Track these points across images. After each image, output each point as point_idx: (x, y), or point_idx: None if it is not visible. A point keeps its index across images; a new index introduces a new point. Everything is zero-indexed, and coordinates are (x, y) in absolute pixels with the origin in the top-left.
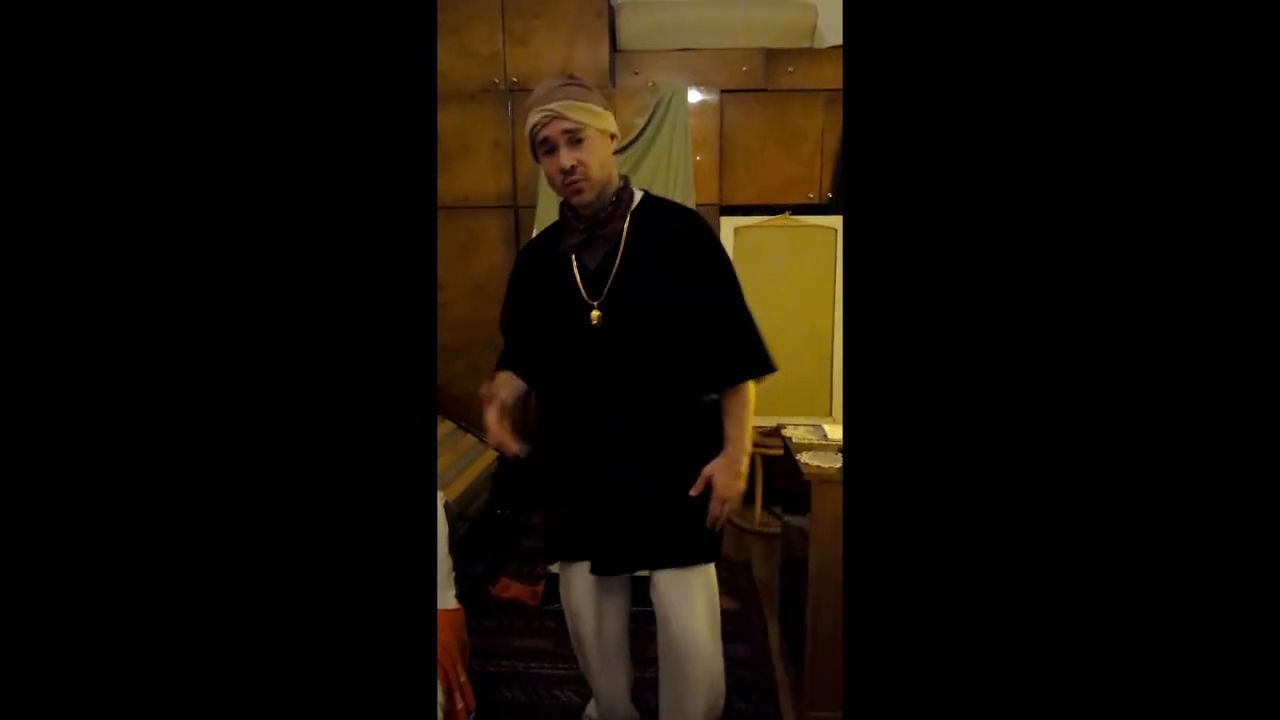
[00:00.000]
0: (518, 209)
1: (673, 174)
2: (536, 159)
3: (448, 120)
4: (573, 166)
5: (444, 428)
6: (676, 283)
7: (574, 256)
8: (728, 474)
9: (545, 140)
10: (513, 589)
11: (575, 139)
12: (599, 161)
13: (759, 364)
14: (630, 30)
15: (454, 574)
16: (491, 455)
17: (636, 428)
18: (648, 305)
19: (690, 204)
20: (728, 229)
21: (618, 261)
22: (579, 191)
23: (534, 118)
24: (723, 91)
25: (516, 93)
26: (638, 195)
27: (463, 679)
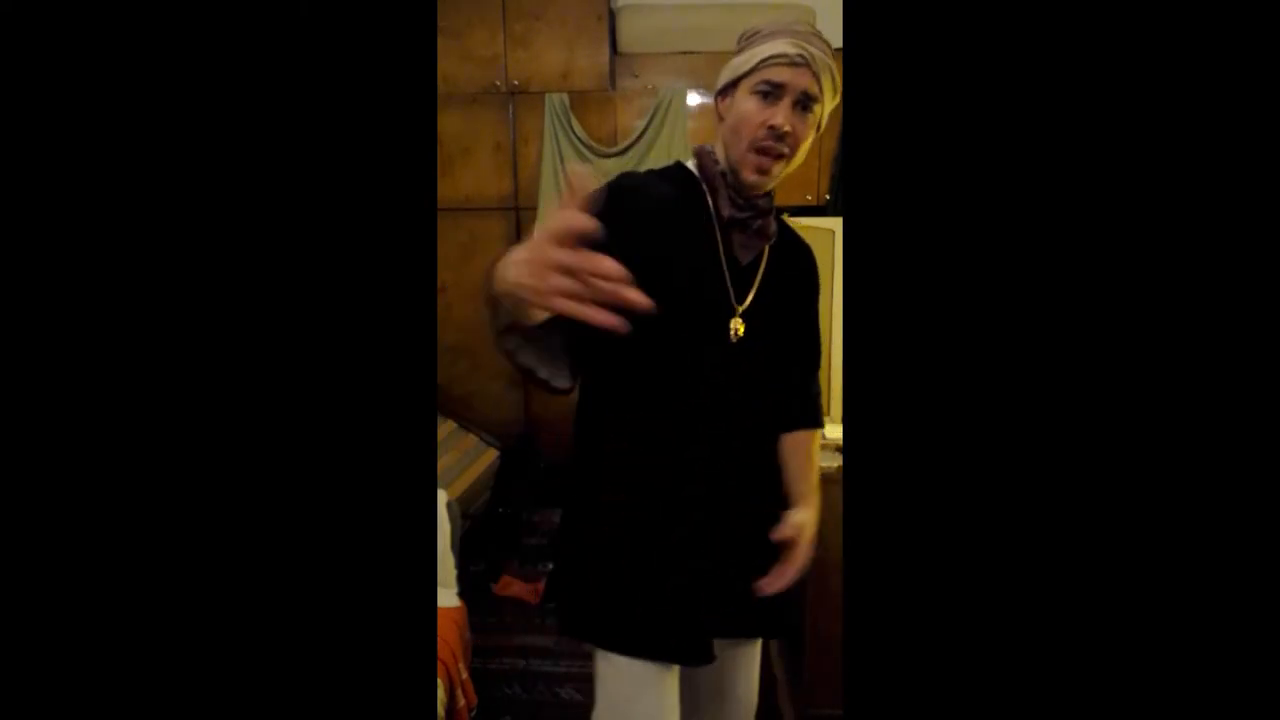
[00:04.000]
0: (519, 210)
1: None
2: (724, 92)
3: (449, 122)
4: (787, 133)
5: (445, 427)
6: (800, 313)
7: (723, 240)
8: (812, 529)
9: (773, 85)
10: (514, 586)
11: (807, 105)
12: (805, 147)
13: (819, 416)
14: (630, 33)
15: (456, 572)
16: (493, 454)
17: (740, 470)
18: (783, 331)
19: None
20: None
21: (763, 267)
22: (769, 167)
23: (779, 46)
24: None
25: (517, 95)
26: None
27: (464, 676)
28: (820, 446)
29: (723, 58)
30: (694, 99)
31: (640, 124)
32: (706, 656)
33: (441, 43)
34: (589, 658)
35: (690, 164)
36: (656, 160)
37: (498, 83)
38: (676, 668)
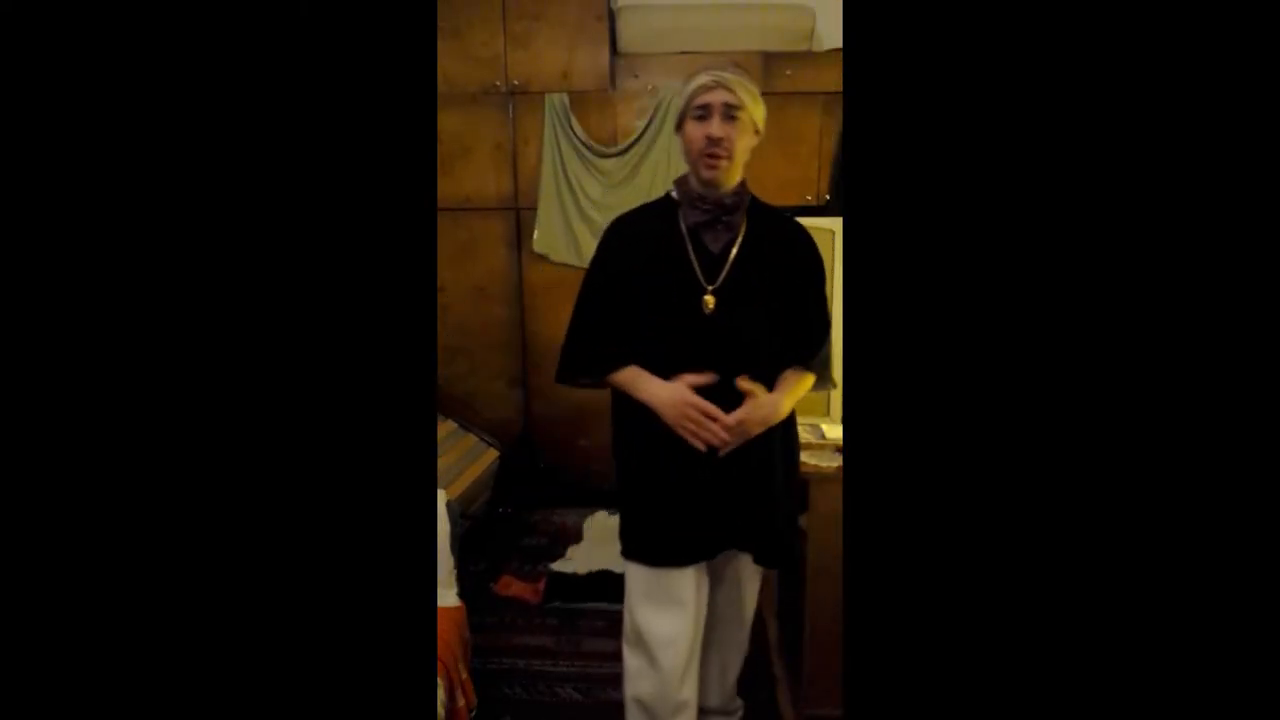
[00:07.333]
0: (519, 210)
1: (673, 176)
2: (679, 127)
3: (449, 122)
4: (720, 139)
5: (445, 428)
6: (785, 281)
7: (690, 238)
8: (769, 405)
9: (703, 107)
10: (514, 586)
11: (731, 114)
12: (744, 146)
13: (824, 374)
14: (630, 33)
15: (455, 572)
16: (493, 454)
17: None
18: (760, 298)
19: None
20: None
21: (736, 249)
22: (715, 166)
23: (701, 79)
24: None
25: (517, 95)
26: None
27: (464, 676)
28: (800, 393)
29: (722, 57)
30: None
31: (640, 124)
32: (714, 547)
33: (441, 43)
34: (589, 657)
35: (674, 191)
36: (656, 160)
37: (498, 83)
38: (686, 574)
